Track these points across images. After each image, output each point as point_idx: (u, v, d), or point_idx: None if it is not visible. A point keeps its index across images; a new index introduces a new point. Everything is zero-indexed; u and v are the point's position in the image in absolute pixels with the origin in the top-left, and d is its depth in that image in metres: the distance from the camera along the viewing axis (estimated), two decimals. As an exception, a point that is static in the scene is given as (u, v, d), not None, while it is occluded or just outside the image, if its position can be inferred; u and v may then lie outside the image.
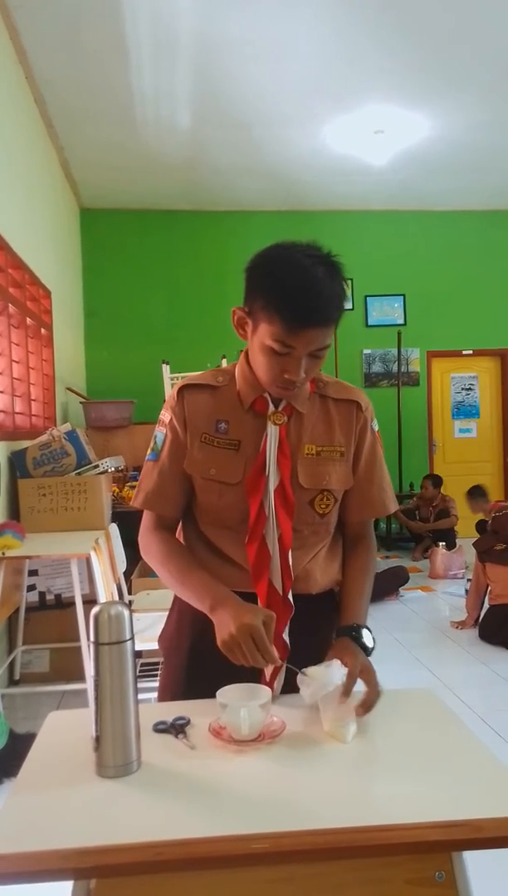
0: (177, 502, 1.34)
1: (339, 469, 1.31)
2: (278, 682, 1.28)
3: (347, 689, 1.14)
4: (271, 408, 1.28)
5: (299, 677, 1.17)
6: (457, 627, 4.39)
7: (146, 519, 1.37)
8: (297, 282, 1.14)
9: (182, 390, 1.32)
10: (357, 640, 1.25)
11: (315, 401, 1.32)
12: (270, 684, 1.26)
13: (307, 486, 1.28)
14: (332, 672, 1.15)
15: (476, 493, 5.66)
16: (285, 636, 1.27)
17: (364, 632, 1.27)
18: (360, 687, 1.17)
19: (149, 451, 1.36)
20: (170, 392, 1.37)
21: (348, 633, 1.26)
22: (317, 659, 1.20)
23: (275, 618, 1.15)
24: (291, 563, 1.27)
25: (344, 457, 1.32)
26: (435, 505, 6.60)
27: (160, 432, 1.34)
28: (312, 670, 1.17)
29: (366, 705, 1.13)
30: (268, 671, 1.26)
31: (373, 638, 1.27)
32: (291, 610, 1.27)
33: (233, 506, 1.27)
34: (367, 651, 1.24)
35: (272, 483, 1.26)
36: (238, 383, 1.31)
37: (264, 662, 1.12)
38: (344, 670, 1.15)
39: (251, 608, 1.15)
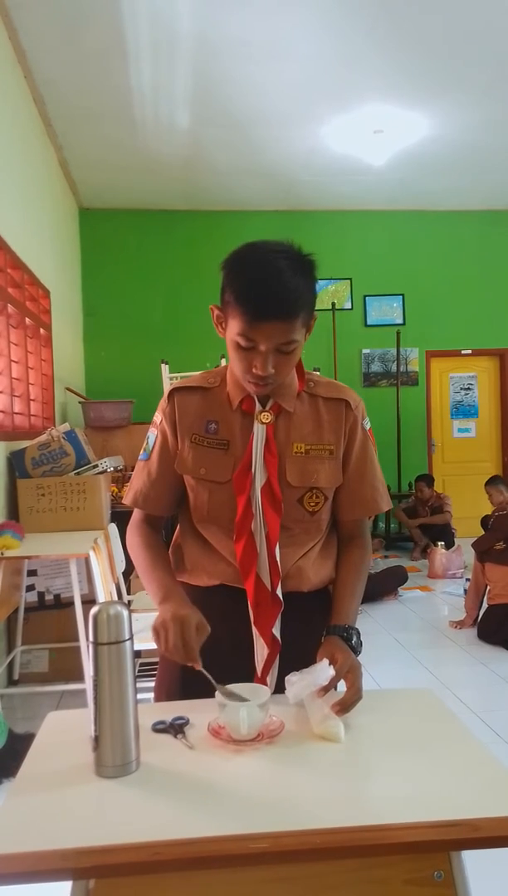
0: (164, 502, 1.37)
1: (328, 467, 1.32)
2: (271, 677, 1.28)
3: (328, 687, 1.14)
4: (258, 407, 1.29)
5: (287, 678, 1.17)
6: (456, 627, 4.39)
7: (134, 515, 1.41)
8: (257, 275, 1.15)
9: (173, 393, 1.35)
10: (348, 640, 1.25)
11: (305, 400, 1.33)
12: (262, 679, 1.27)
13: (296, 483, 1.29)
14: (318, 673, 1.14)
15: (497, 480, 5.54)
16: (276, 632, 1.28)
17: (354, 633, 1.27)
18: (341, 687, 1.16)
19: (142, 450, 1.39)
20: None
21: (338, 632, 1.26)
22: (307, 655, 1.21)
23: (208, 631, 1.16)
24: (278, 559, 1.27)
25: (333, 455, 1.32)
26: (431, 504, 6.62)
27: (152, 433, 1.37)
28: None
29: (344, 704, 1.12)
30: (260, 665, 1.27)
31: (360, 641, 1.28)
32: (280, 605, 1.28)
33: (223, 504, 1.29)
34: (356, 652, 1.24)
35: (259, 481, 1.27)
36: (228, 384, 1.32)
37: (184, 657, 1.13)
38: (330, 671, 1.15)
39: (192, 609, 1.18)
